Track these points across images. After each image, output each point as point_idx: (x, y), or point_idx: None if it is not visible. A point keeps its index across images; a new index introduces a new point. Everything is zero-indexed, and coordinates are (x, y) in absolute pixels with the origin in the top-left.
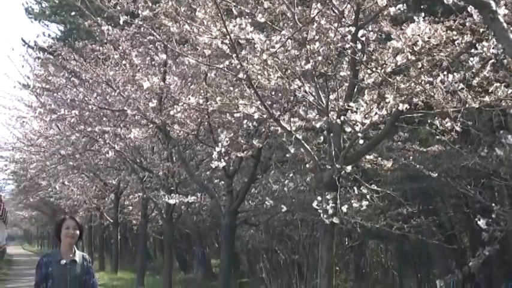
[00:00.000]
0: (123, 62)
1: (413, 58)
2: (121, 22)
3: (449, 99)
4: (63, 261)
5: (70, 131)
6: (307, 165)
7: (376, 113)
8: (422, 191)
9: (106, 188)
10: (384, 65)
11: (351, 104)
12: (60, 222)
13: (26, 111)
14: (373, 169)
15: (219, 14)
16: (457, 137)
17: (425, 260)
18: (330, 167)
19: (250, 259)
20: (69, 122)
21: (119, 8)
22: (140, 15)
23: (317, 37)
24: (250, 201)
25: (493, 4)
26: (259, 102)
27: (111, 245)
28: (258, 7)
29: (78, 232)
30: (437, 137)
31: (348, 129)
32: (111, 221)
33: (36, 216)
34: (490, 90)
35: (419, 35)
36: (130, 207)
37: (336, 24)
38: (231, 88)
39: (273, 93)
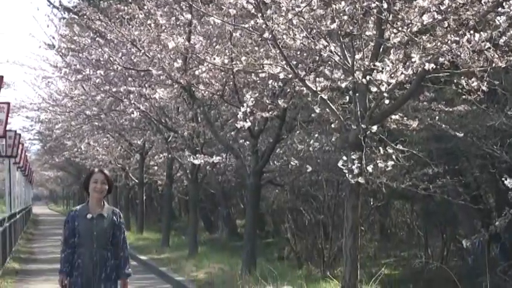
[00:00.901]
0: (148, 21)
1: (440, 17)
2: None
3: (476, 58)
4: (89, 216)
5: (95, 91)
6: (333, 125)
7: (402, 73)
8: (448, 151)
9: (131, 148)
10: (410, 24)
11: (377, 63)
12: (89, 176)
13: (51, 72)
14: (398, 129)
15: None
16: (483, 97)
17: (451, 220)
18: (355, 127)
19: (275, 219)
20: (94, 82)
21: None
22: None
23: None
24: (275, 162)
25: None
26: (284, 62)
27: (136, 205)
28: None
29: (106, 186)
30: (464, 96)
31: (374, 89)
32: (137, 181)
33: (61, 176)
34: None
35: None
36: (156, 168)
37: None
38: (256, 48)
39: (298, 53)
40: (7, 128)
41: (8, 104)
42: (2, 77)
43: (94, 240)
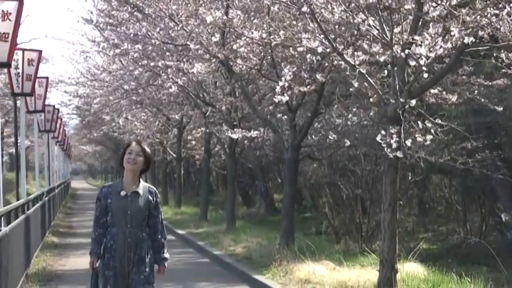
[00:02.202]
0: None
1: None
2: None
3: None
4: (123, 193)
5: (133, 66)
6: (371, 100)
7: (441, 47)
8: (487, 125)
9: (169, 123)
10: None
11: (416, 37)
12: (125, 148)
13: (89, 46)
14: (437, 103)
15: None
16: None
17: (490, 194)
18: (393, 101)
19: (313, 194)
20: (132, 57)
21: None
22: None
23: None
24: (313, 136)
25: None
26: (322, 36)
27: (174, 179)
28: None
29: (141, 159)
30: (503, 70)
31: (412, 63)
32: (174, 155)
33: (99, 151)
34: None
35: None
36: (193, 142)
37: None
38: (294, 22)
39: (337, 26)
40: (46, 103)
41: (47, 78)
42: (41, 51)
43: (128, 219)
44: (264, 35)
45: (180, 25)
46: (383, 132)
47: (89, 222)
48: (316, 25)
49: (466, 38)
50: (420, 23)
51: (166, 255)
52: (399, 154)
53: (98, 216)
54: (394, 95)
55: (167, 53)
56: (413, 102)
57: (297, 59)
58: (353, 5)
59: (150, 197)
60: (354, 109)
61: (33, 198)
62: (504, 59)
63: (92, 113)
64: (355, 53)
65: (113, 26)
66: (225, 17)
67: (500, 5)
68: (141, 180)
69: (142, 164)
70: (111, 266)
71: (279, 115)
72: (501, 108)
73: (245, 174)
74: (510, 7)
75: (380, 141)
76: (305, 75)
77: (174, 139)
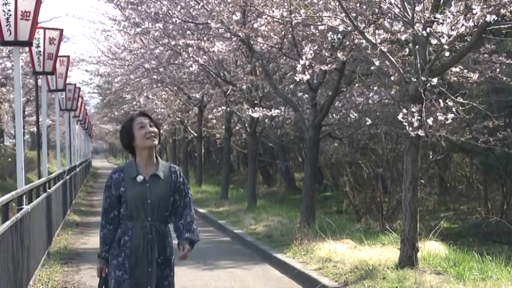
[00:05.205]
0: None
1: None
2: None
3: None
4: (140, 178)
5: (154, 45)
6: (392, 78)
7: (462, 25)
8: (508, 103)
9: (190, 102)
10: None
11: (437, 15)
12: (129, 123)
13: (110, 25)
14: (458, 82)
15: None
16: None
17: (511, 173)
18: (415, 80)
19: (334, 173)
20: (153, 36)
21: None
22: None
23: None
24: (334, 115)
25: None
26: (343, 14)
27: (195, 158)
28: None
29: (157, 130)
30: None
31: (434, 41)
32: (195, 134)
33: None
34: None
35: None
36: (214, 121)
37: None
38: (315, 0)
39: (358, 5)
40: (67, 82)
41: (68, 57)
42: (62, 30)
43: (148, 211)
44: (284, 14)
45: (201, 3)
46: (404, 110)
47: None
48: (337, 3)
49: (488, 16)
50: (442, 1)
51: (187, 235)
52: (420, 133)
53: (107, 209)
54: (416, 73)
55: (188, 32)
56: (434, 80)
57: (318, 37)
58: None
59: (173, 177)
60: (375, 88)
61: (55, 176)
62: None
63: (112, 92)
64: (377, 31)
65: (134, 4)
66: None
67: None
68: (158, 158)
69: (159, 138)
70: (126, 267)
71: (299, 94)
72: None
73: (266, 153)
74: None
75: (401, 119)
76: (326, 54)
77: (194, 118)
